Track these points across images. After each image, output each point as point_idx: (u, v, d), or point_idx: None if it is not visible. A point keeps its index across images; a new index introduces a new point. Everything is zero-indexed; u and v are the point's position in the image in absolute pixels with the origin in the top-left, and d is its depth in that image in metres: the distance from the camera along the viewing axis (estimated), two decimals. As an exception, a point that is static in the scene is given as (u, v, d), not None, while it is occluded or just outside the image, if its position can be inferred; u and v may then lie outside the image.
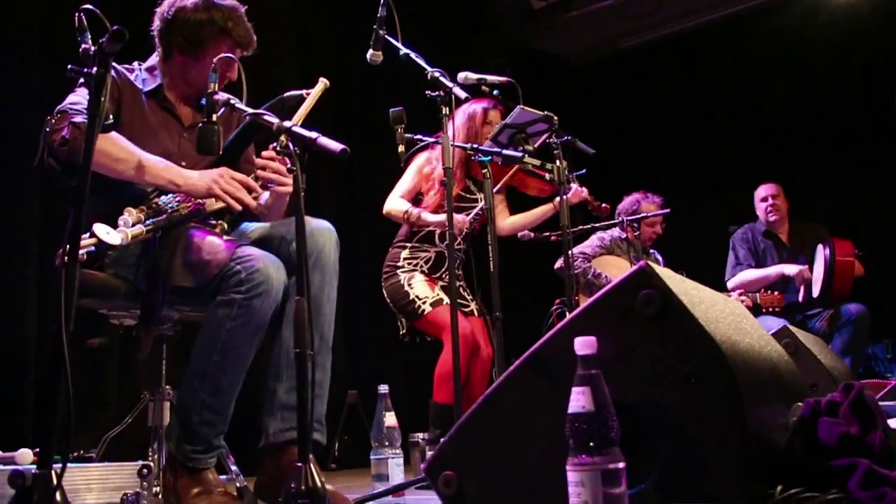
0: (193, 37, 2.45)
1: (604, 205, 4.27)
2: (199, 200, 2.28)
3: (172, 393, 2.54)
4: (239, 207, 2.27)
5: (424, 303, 3.69)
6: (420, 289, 3.74)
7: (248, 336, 2.21)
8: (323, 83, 2.47)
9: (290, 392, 2.28)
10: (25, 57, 4.07)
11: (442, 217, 3.40)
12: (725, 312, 1.64)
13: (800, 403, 1.64)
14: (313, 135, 1.83)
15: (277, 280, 2.24)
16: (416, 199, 3.86)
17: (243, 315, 2.18)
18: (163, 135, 2.49)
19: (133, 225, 2.11)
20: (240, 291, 2.18)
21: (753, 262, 5.20)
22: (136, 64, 2.58)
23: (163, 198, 2.28)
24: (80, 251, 1.85)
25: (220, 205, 2.30)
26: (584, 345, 1.36)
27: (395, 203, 3.81)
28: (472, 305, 3.90)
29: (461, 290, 3.87)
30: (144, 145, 2.35)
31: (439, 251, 3.83)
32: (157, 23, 2.51)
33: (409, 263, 3.83)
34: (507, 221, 4.19)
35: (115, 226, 2.08)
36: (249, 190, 2.28)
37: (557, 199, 3.41)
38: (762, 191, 5.31)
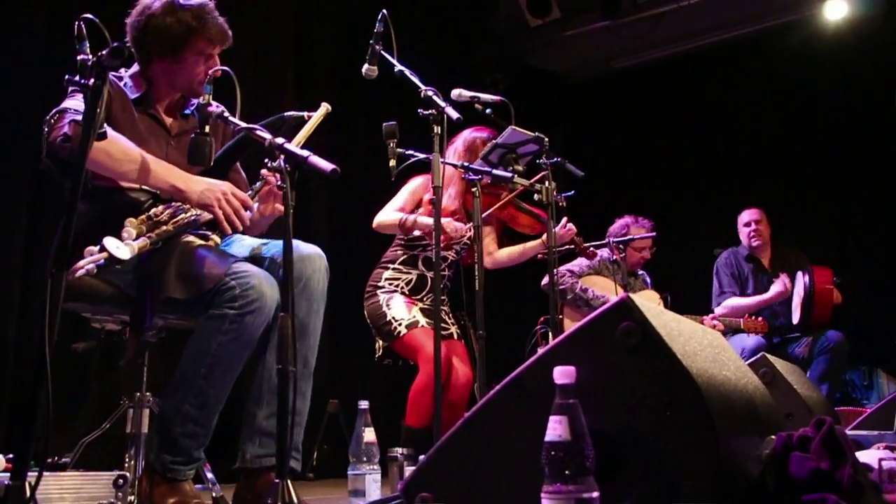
0: (168, 41, 2.45)
1: (591, 249, 4.30)
2: (195, 212, 2.28)
3: (153, 400, 2.54)
4: (230, 231, 2.28)
5: (400, 324, 3.64)
6: (397, 310, 3.69)
7: (238, 351, 2.22)
8: (325, 107, 2.49)
9: (269, 418, 2.30)
10: (24, 66, 4.05)
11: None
12: (703, 344, 1.66)
13: (773, 437, 1.67)
14: (304, 153, 1.85)
15: (271, 298, 2.24)
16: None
17: (235, 330, 2.19)
18: (151, 143, 2.48)
19: (136, 237, 2.11)
20: (233, 307, 2.19)
21: (737, 289, 5.24)
22: (122, 71, 2.56)
23: (158, 207, 2.28)
24: (91, 265, 1.87)
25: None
26: (563, 374, 1.38)
27: (388, 214, 3.78)
28: (452, 329, 3.86)
29: (442, 312, 3.83)
30: None
31: (421, 273, 3.81)
32: (129, 34, 2.51)
33: (390, 284, 3.79)
34: (495, 255, 4.14)
35: (118, 237, 2.07)
36: (245, 208, 2.28)
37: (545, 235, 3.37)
38: (745, 216, 5.37)
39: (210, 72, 2.39)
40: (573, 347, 1.49)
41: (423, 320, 3.65)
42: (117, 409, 2.59)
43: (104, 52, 1.58)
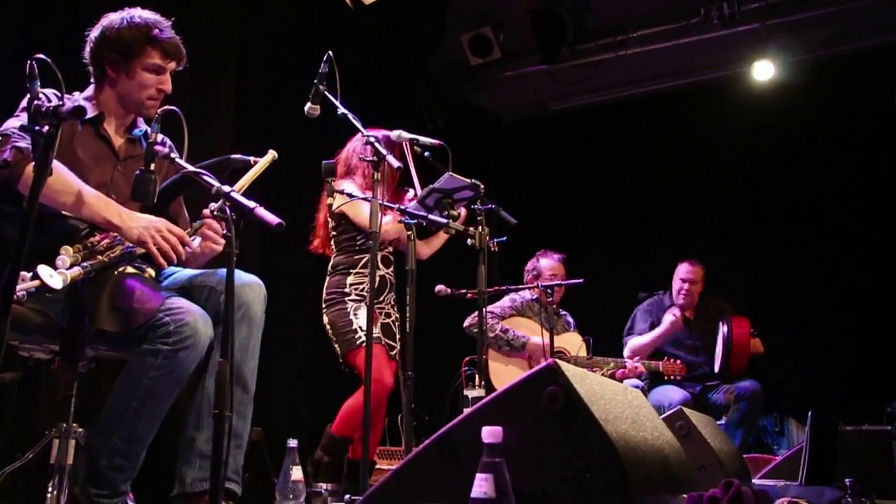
0: (123, 49, 2.49)
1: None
2: (129, 244, 2.29)
3: (79, 431, 2.51)
4: (165, 265, 2.29)
5: (364, 334, 3.69)
6: (364, 321, 3.75)
7: (169, 387, 2.23)
8: (272, 154, 2.52)
9: (209, 442, 2.27)
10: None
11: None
12: (624, 405, 1.76)
13: (684, 495, 1.77)
14: (251, 204, 1.89)
15: (205, 335, 2.26)
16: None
17: (167, 366, 2.20)
18: (96, 167, 2.49)
19: (70, 266, 2.11)
20: (167, 343, 2.20)
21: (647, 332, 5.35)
22: (76, 94, 2.58)
23: (96, 236, 2.29)
24: (22, 291, 1.86)
25: None
26: (490, 434, 1.46)
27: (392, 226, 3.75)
28: (398, 347, 3.92)
29: (392, 325, 3.92)
30: (79, 174, 2.36)
31: (381, 274, 3.88)
32: (88, 47, 2.55)
33: (355, 290, 3.85)
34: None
35: (52, 265, 2.07)
36: (182, 244, 2.30)
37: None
38: (682, 271, 5.42)
39: (161, 89, 2.48)
40: (500, 408, 1.56)
41: (383, 340, 3.77)
42: (41, 440, 2.54)
43: (65, 106, 1.60)
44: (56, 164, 2.21)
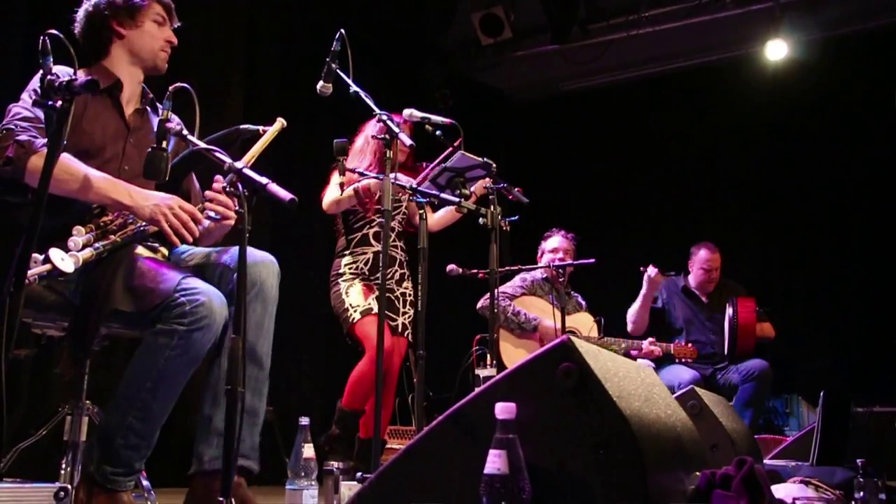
0: (128, 5, 2.55)
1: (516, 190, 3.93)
2: (144, 223, 2.29)
3: (92, 408, 2.52)
4: (179, 243, 2.29)
5: (356, 311, 3.79)
6: (354, 297, 3.85)
7: (184, 366, 2.23)
8: (280, 122, 2.51)
9: None
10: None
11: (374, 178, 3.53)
12: (637, 383, 1.75)
13: (698, 473, 1.76)
14: (264, 180, 1.88)
15: (220, 315, 2.26)
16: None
17: (182, 346, 2.20)
18: (108, 140, 2.50)
19: (83, 247, 2.12)
20: (182, 323, 2.20)
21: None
22: (79, 73, 2.57)
23: (108, 216, 2.29)
24: (34, 275, 1.87)
25: None
26: (504, 410, 1.45)
27: (336, 192, 3.78)
28: (400, 320, 3.96)
29: (396, 301, 3.96)
30: (93, 147, 2.39)
31: (376, 251, 3.92)
32: (84, 22, 2.57)
33: (349, 269, 3.93)
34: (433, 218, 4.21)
35: (64, 246, 2.08)
36: (195, 221, 2.30)
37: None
38: (702, 259, 5.39)
39: (169, 41, 2.58)
40: (514, 384, 1.55)
41: (376, 307, 3.73)
42: (54, 417, 2.56)
43: (78, 80, 1.59)
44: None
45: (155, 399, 2.22)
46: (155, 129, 2.19)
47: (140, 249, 2.36)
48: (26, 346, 2.58)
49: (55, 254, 2.03)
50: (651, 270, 5.06)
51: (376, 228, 3.98)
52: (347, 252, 3.97)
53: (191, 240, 2.33)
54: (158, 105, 2.56)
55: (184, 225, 2.29)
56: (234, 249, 2.43)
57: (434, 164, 3.59)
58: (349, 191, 3.77)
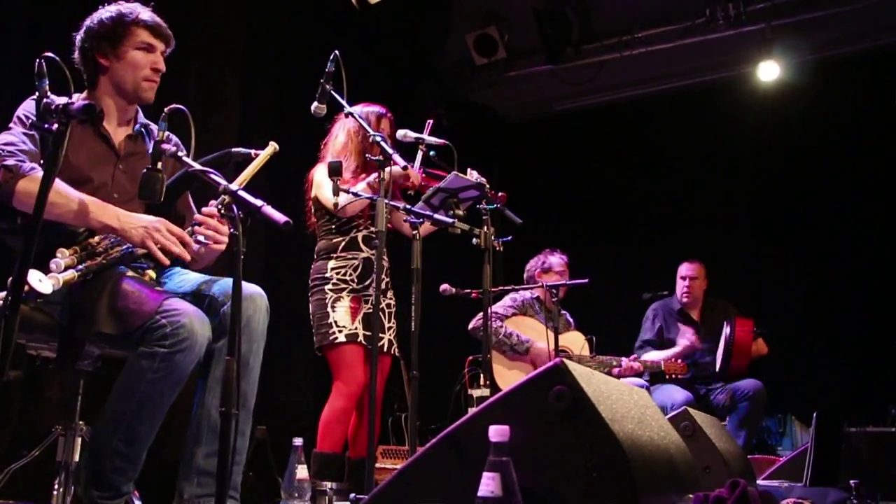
0: (109, 35, 2.52)
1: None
2: (129, 245, 2.30)
3: (86, 429, 2.51)
4: (167, 262, 2.29)
5: (340, 332, 3.63)
6: (340, 315, 3.67)
7: (167, 389, 2.22)
8: (272, 147, 2.51)
9: (208, 457, 2.30)
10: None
11: (368, 179, 3.47)
12: (630, 405, 1.76)
13: (690, 496, 1.77)
14: (258, 202, 1.88)
15: (202, 336, 2.25)
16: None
17: (165, 368, 2.19)
18: (96, 167, 2.50)
19: (65, 269, 2.12)
20: (163, 345, 2.19)
21: (655, 339, 5.37)
22: (75, 96, 2.58)
23: (95, 238, 2.29)
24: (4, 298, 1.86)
25: None
26: (497, 433, 1.46)
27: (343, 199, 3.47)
28: (386, 337, 3.79)
29: (381, 315, 3.72)
30: (80, 176, 2.38)
31: (366, 257, 3.76)
32: (77, 51, 2.58)
33: (337, 275, 3.74)
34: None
35: (45, 267, 2.08)
36: (183, 244, 2.30)
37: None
38: (683, 269, 5.44)
39: (155, 68, 2.51)
40: (507, 407, 1.56)
41: (361, 334, 3.65)
42: (47, 437, 2.55)
43: (76, 105, 1.60)
44: None
45: (140, 422, 2.21)
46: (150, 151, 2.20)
47: (125, 271, 2.35)
48: (15, 368, 2.57)
49: (33, 276, 2.04)
50: (691, 336, 5.08)
51: (365, 232, 3.80)
52: (334, 255, 3.77)
53: (186, 257, 2.33)
54: (154, 127, 2.56)
55: (173, 244, 2.29)
56: (225, 281, 2.44)
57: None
58: (361, 186, 3.61)
